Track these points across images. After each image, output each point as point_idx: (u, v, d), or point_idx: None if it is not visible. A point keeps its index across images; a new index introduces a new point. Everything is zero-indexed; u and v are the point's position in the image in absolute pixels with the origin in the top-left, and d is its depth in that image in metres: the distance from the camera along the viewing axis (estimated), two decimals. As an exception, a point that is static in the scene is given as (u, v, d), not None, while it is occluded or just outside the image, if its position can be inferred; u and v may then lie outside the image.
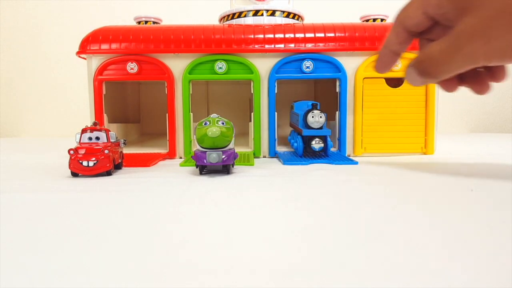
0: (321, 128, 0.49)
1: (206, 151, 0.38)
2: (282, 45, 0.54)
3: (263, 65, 0.54)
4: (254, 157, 0.54)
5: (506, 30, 0.30)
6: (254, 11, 0.57)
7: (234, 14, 0.58)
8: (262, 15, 0.57)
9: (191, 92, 0.55)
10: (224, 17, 0.60)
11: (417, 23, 0.37)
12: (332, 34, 0.54)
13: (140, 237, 0.20)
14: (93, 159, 0.38)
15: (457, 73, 0.34)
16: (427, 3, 0.35)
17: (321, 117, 0.48)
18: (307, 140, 0.50)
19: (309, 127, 0.49)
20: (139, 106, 0.80)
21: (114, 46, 0.53)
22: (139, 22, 0.61)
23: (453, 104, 1.12)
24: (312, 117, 0.48)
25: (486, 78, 0.38)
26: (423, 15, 0.36)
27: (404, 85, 0.55)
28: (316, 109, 0.49)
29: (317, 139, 0.49)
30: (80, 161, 0.38)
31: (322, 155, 0.52)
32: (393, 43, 0.39)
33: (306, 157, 0.50)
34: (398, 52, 0.40)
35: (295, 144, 0.52)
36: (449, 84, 0.39)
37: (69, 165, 0.38)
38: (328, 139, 0.51)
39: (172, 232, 0.20)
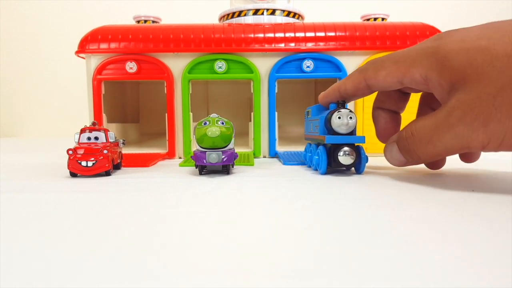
0: (351, 133, 0.37)
1: (206, 151, 0.38)
2: (282, 45, 0.54)
3: (263, 64, 0.54)
4: (254, 157, 0.54)
5: (509, 111, 0.25)
6: (254, 10, 0.57)
7: (234, 13, 0.58)
8: (262, 14, 0.57)
9: (190, 92, 0.55)
10: (224, 16, 0.59)
11: (384, 87, 0.34)
12: (332, 33, 0.54)
13: (139, 237, 0.19)
14: (92, 159, 0.37)
15: (444, 156, 0.30)
16: (408, 74, 0.30)
17: (351, 118, 0.36)
18: (332, 152, 0.37)
19: (334, 133, 0.37)
20: (138, 106, 0.80)
21: (113, 45, 0.53)
22: (138, 21, 0.61)
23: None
24: (339, 118, 0.36)
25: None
26: (396, 83, 0.32)
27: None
28: (344, 107, 0.37)
29: (345, 148, 0.36)
30: (79, 161, 0.37)
31: (353, 172, 0.39)
32: (348, 93, 0.37)
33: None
34: (348, 100, 0.38)
35: (316, 159, 0.39)
36: (437, 164, 0.36)
37: (68, 165, 0.38)
38: (362, 149, 0.38)
39: (172, 232, 0.20)
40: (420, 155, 0.31)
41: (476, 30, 0.28)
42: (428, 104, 0.36)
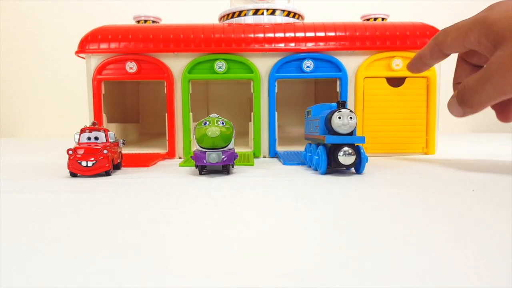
0: (351, 134, 0.37)
1: (206, 151, 0.38)
2: (282, 45, 0.54)
3: (263, 64, 0.54)
4: (254, 157, 0.54)
5: None
6: (254, 10, 0.57)
7: (234, 13, 0.58)
8: (262, 14, 0.57)
9: (190, 92, 0.55)
10: (224, 16, 0.59)
11: (453, 50, 0.39)
12: (332, 33, 0.54)
13: (139, 237, 0.19)
14: (92, 159, 0.37)
15: (491, 104, 0.35)
16: (466, 38, 0.36)
17: (351, 118, 0.36)
18: (332, 151, 0.37)
19: (334, 133, 0.37)
20: (138, 106, 0.80)
21: (113, 45, 0.53)
22: (138, 21, 0.61)
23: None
24: (339, 118, 0.36)
25: None
26: (460, 46, 0.38)
27: (405, 85, 0.54)
28: (344, 107, 0.37)
29: (345, 148, 0.36)
30: (79, 161, 0.37)
31: (353, 172, 0.39)
32: (427, 57, 0.42)
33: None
34: (430, 64, 0.43)
35: (316, 159, 0.39)
36: (507, 115, 0.39)
37: (68, 165, 0.38)
38: (362, 149, 0.38)
39: (172, 232, 0.20)
40: (471, 104, 0.36)
41: None
42: (466, 59, 0.41)
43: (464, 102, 0.37)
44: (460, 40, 0.37)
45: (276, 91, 0.54)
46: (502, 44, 0.33)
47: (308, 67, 0.53)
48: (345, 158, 0.36)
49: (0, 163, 0.50)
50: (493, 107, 0.39)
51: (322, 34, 0.54)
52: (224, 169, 0.40)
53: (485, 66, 0.35)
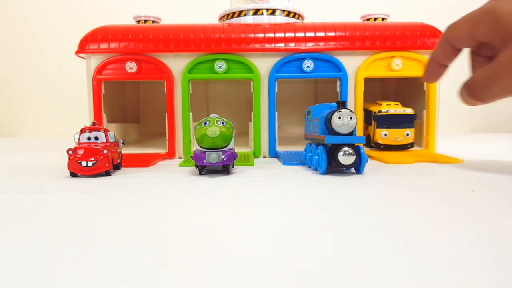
0: (351, 134, 0.37)
1: (206, 151, 0.38)
2: (282, 44, 0.54)
3: (263, 64, 0.54)
4: (254, 157, 0.54)
5: None
6: (254, 10, 0.57)
7: (234, 13, 0.58)
8: (262, 14, 0.57)
9: (190, 92, 0.55)
10: (224, 16, 0.59)
11: (464, 43, 0.38)
12: (332, 33, 0.54)
13: (140, 237, 0.19)
14: (92, 159, 0.37)
15: (500, 99, 0.35)
16: (476, 30, 0.35)
17: (351, 118, 0.36)
18: (332, 151, 0.37)
19: (334, 133, 0.37)
20: (138, 106, 0.80)
21: (113, 45, 0.53)
22: (138, 21, 0.61)
23: (454, 104, 1.12)
24: (339, 118, 0.36)
25: None
26: (471, 39, 0.37)
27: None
28: (344, 107, 0.37)
29: (345, 148, 0.36)
30: (79, 161, 0.37)
31: (353, 172, 0.39)
32: (440, 57, 0.40)
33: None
34: (445, 64, 0.41)
35: (316, 159, 0.39)
36: None
37: (68, 165, 0.38)
38: (362, 149, 0.38)
39: (172, 232, 0.20)
40: (481, 98, 0.36)
41: None
42: (478, 53, 0.40)
43: (473, 95, 0.36)
44: (470, 32, 0.36)
45: (276, 91, 0.54)
46: (511, 42, 0.32)
47: (308, 67, 0.53)
48: (345, 158, 0.36)
49: (0, 163, 0.50)
50: None
51: (322, 34, 0.54)
52: (224, 169, 0.40)
53: (495, 61, 0.34)
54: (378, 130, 0.53)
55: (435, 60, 0.41)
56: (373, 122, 0.54)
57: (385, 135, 0.52)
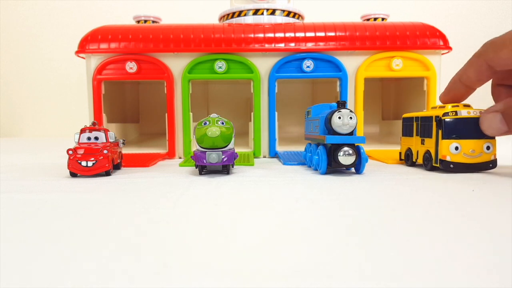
0: (351, 134, 0.37)
1: (206, 151, 0.38)
2: (282, 44, 0.54)
3: (263, 64, 0.54)
4: (254, 157, 0.54)
5: None
6: (254, 10, 0.57)
7: (234, 13, 0.58)
8: (262, 14, 0.57)
9: (190, 92, 0.55)
10: (224, 16, 0.59)
11: (510, 65, 0.33)
12: (332, 33, 0.54)
13: (139, 237, 0.19)
14: (92, 159, 0.37)
15: None
16: None
17: (351, 118, 0.36)
18: (332, 152, 0.37)
19: (334, 133, 0.37)
20: (138, 106, 0.80)
21: (113, 45, 0.53)
22: (138, 21, 0.61)
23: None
24: (339, 118, 0.36)
25: None
26: None
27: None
28: (344, 107, 0.37)
29: (345, 148, 0.36)
30: (79, 161, 0.37)
31: (353, 172, 0.39)
32: (471, 79, 0.35)
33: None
34: (474, 87, 0.36)
35: (316, 159, 0.39)
36: None
37: (68, 165, 0.38)
38: (362, 149, 0.38)
39: (172, 233, 0.20)
40: None
41: None
42: (503, 83, 0.36)
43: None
44: None
45: (276, 91, 0.54)
46: None
47: (308, 67, 0.53)
48: (345, 158, 0.36)
49: (0, 163, 0.50)
50: None
51: (322, 34, 0.54)
52: (224, 169, 0.40)
53: None
54: (445, 142, 0.37)
55: (463, 81, 0.36)
56: (434, 130, 0.39)
57: (456, 148, 0.37)
